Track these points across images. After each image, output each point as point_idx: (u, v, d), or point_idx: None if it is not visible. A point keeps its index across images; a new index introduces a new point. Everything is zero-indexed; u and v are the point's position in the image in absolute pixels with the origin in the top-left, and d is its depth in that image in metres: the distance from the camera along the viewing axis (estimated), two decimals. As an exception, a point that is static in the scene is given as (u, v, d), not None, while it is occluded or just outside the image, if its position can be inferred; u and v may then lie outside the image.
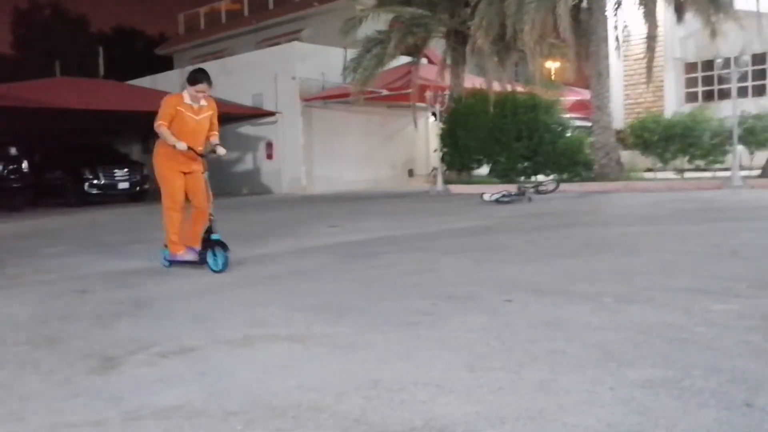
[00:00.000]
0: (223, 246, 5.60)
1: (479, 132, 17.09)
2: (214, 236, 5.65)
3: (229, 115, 19.82)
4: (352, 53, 18.64)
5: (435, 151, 19.32)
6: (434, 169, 21.79)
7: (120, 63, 34.57)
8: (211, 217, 5.74)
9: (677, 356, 2.78)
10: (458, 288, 4.50)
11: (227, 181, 20.13)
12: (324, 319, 3.79)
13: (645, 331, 3.18)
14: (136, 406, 2.55)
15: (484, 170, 18.80)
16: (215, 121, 6.06)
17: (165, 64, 31.83)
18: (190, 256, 5.87)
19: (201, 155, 5.83)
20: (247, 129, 22.30)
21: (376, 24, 18.29)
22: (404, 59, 19.62)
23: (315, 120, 21.29)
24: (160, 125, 5.68)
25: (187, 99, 5.82)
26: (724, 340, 2.98)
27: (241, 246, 6.56)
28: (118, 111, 18.66)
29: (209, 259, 5.65)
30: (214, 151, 5.95)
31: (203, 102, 5.88)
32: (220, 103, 6.75)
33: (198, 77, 5.78)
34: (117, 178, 18.84)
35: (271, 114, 21.39)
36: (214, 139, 5.99)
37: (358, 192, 19.80)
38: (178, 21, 34.61)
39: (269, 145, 21.99)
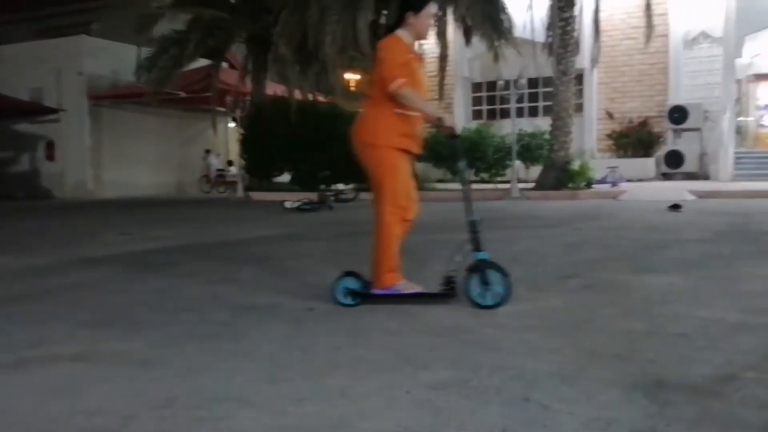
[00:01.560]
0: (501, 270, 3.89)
1: (281, 139, 17.07)
2: (480, 255, 3.91)
3: (3, 111, 17.88)
4: (147, 52, 17.71)
5: (230, 164, 18.93)
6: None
7: None
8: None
9: (467, 357, 2.96)
10: (260, 298, 4.43)
11: (-2, 184, 18.12)
12: (113, 335, 3.52)
13: (439, 334, 3.35)
14: None
15: (285, 178, 18.82)
16: None
17: None
18: (418, 287, 4.12)
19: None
20: (24, 127, 20.25)
21: (174, 23, 17.55)
22: (204, 62, 19.06)
23: (105, 120, 19.92)
24: (403, 84, 3.73)
25: (408, 39, 3.95)
26: (507, 340, 3.23)
27: (14, 257, 5.91)
28: None
29: (472, 289, 3.85)
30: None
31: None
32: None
33: None
34: None
35: (54, 111, 19.61)
36: None
37: (153, 197, 18.82)
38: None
39: (50, 145, 20.16)
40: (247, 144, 18.01)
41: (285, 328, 3.59)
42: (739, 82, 20.21)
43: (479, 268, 3.82)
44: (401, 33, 3.88)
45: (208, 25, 17.46)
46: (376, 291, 3.98)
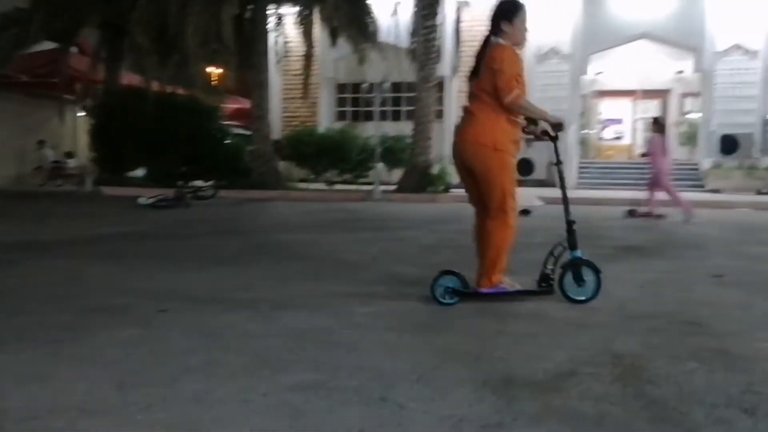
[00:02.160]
0: (593, 266, 4.11)
1: (136, 132, 16.23)
2: (576, 253, 4.12)
3: None
4: (-17, 29, 16.20)
5: (69, 156, 17.69)
6: (39, 167, 20.06)
7: None
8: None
9: (326, 359, 2.96)
10: (108, 299, 4.18)
11: None
12: (-64, 341, 3.18)
13: (298, 336, 3.33)
14: None
15: (140, 172, 17.92)
16: None
17: None
18: (518, 285, 4.22)
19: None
20: None
21: (15, 0, 16.18)
22: (52, 45, 17.72)
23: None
24: (519, 95, 3.92)
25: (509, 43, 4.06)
26: (365, 340, 3.26)
27: None
28: None
29: (567, 285, 4.10)
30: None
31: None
32: None
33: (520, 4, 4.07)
34: None
35: None
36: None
37: (-11, 190, 17.27)
38: None
39: None
40: (98, 135, 16.96)
41: (134, 330, 3.41)
42: (583, 97, 21.82)
43: (574, 265, 4.08)
44: (502, 42, 3.99)
45: (55, 4, 16.22)
46: (484, 289, 4.10)
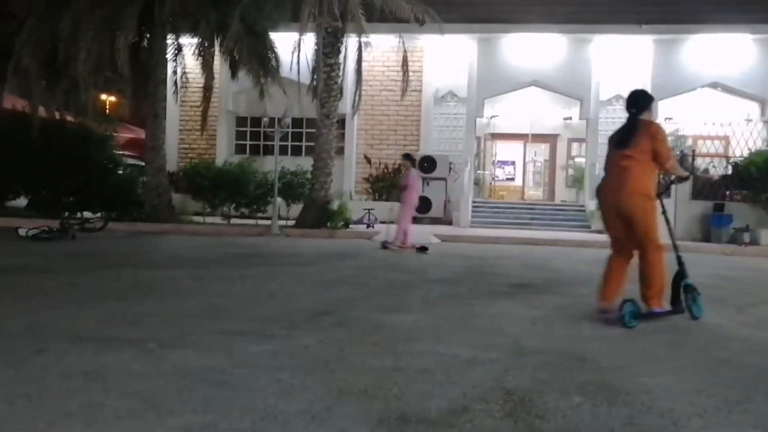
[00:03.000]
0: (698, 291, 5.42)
1: (18, 159, 15.27)
2: (688, 281, 5.37)
3: None
4: None
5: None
6: None
7: None
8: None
9: (217, 399, 2.85)
10: (-22, 338, 3.86)
11: None
12: None
13: (187, 376, 3.19)
14: None
15: (21, 202, 16.85)
16: None
17: None
18: (667, 306, 5.29)
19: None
20: None
21: None
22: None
23: None
24: (674, 162, 5.45)
25: None
26: (259, 380, 3.18)
27: None
28: None
29: (691, 305, 5.36)
30: None
31: None
32: None
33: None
34: None
35: None
36: None
37: None
38: None
39: None
40: (-24, 161, 15.85)
41: (7, 371, 3.16)
42: (478, 139, 22.64)
43: (690, 289, 5.36)
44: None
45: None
46: (657, 309, 5.12)
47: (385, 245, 11.62)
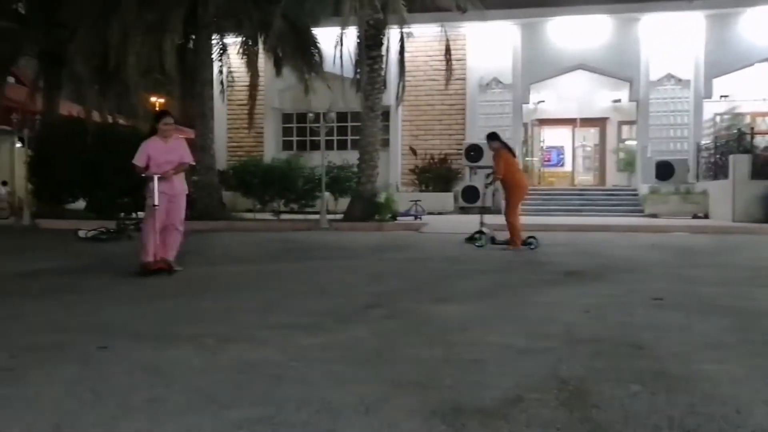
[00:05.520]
0: None
1: (76, 163, 15.79)
2: None
3: None
4: None
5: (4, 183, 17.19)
6: None
7: None
8: None
9: (273, 392, 2.91)
10: (45, 336, 4.02)
11: None
12: None
13: (244, 370, 3.26)
14: None
15: (80, 204, 17.43)
16: None
17: None
18: None
19: None
20: None
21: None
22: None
23: None
24: None
25: None
26: (313, 372, 3.22)
27: None
28: None
29: None
30: None
31: None
32: None
33: None
34: None
35: None
36: None
37: None
38: None
39: None
40: (36, 166, 16.45)
41: (73, 369, 3.29)
42: (525, 125, 22.35)
43: None
44: None
45: (-8, 36, 15.85)
46: None
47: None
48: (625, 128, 23.03)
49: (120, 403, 2.76)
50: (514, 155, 10.27)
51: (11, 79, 18.42)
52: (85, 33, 14.52)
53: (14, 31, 16.23)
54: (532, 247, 9.55)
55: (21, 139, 17.74)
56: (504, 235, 9.95)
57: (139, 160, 7.01)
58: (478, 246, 9.89)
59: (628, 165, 22.09)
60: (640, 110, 20.39)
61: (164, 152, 7.04)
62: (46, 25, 16.35)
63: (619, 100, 22.12)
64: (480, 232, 10.22)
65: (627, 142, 22.79)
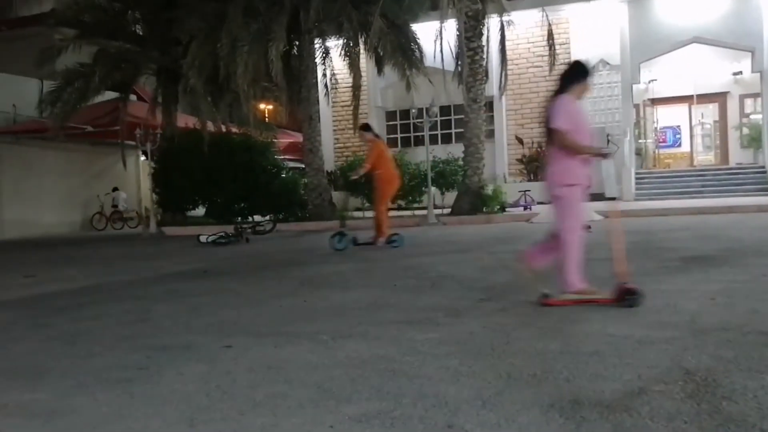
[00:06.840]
0: None
1: (194, 172, 16.71)
2: None
3: None
4: (50, 85, 17.05)
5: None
6: (98, 212, 20.71)
7: None
8: None
9: (389, 387, 2.96)
10: (174, 337, 4.29)
11: None
12: (17, 385, 3.32)
13: (360, 366, 3.34)
14: None
15: (200, 211, 18.41)
16: None
17: None
18: None
19: None
20: None
21: (78, 56, 16.98)
22: (112, 95, 18.52)
23: (4, 157, 18.96)
24: None
25: None
26: (427, 367, 3.25)
27: None
28: None
29: None
30: None
31: None
32: None
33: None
34: None
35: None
36: None
37: (61, 236, 18.01)
38: None
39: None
40: (159, 178, 17.53)
41: (202, 367, 3.49)
42: (637, 106, 21.39)
43: None
44: None
45: (115, 57, 17.01)
46: None
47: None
48: (748, 102, 21.51)
49: (245, 399, 2.90)
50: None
51: (133, 97, 19.67)
52: (197, 48, 15.28)
53: (135, 52, 17.35)
54: (396, 245, 9.59)
55: (144, 153, 18.92)
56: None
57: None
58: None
59: (753, 141, 20.64)
60: (765, 81, 18.99)
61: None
62: (162, 43, 17.36)
63: (740, 72, 20.70)
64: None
65: (751, 117, 21.29)
